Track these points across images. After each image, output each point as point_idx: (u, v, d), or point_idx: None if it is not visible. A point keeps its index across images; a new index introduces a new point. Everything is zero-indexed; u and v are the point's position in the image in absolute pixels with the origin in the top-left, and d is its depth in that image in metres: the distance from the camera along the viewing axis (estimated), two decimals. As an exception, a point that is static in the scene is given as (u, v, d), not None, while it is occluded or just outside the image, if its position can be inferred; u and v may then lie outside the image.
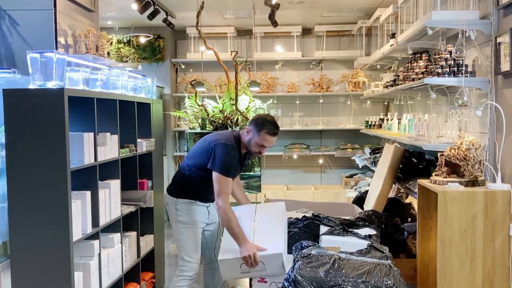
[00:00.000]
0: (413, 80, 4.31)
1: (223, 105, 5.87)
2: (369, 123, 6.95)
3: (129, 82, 4.02)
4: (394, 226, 4.24)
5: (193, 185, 3.60)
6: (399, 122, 5.50)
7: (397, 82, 5.08)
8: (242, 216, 3.52)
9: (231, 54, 6.01)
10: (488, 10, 3.57)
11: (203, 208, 3.66)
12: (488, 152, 3.52)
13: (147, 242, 4.36)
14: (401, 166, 4.77)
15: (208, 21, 7.12)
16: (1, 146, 3.09)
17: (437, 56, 3.79)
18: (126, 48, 7.76)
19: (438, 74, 3.71)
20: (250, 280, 3.60)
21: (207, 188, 3.54)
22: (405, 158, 4.82)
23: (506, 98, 3.39)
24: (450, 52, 3.64)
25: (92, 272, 3.31)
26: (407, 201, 5.15)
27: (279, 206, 3.71)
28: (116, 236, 3.71)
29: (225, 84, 6.21)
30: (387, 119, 6.22)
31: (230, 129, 3.74)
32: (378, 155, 6.31)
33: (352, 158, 7.37)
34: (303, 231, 3.70)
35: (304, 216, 3.92)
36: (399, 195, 5.33)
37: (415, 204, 4.68)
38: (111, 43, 7.52)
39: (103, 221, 3.47)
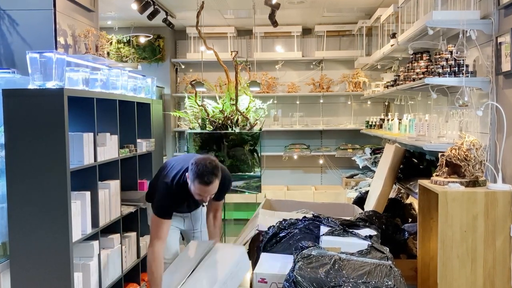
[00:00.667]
0: (413, 80, 4.30)
1: (223, 105, 5.87)
2: (370, 123, 6.94)
3: (129, 82, 4.01)
4: (394, 227, 4.24)
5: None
6: (399, 122, 5.49)
7: (397, 82, 5.07)
8: (184, 260, 3.32)
9: (231, 54, 6.00)
10: (489, 10, 3.56)
11: (176, 217, 3.49)
12: (489, 152, 3.51)
13: (147, 242, 4.33)
14: (401, 166, 4.76)
15: (208, 21, 7.11)
16: (0, 146, 3.09)
17: (438, 56, 3.79)
18: (126, 48, 7.75)
19: (439, 74, 3.70)
20: (250, 281, 3.60)
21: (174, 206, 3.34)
22: (405, 159, 4.81)
23: (507, 98, 3.38)
24: (451, 52, 3.63)
25: (91, 272, 3.31)
26: (408, 201, 5.14)
27: (236, 253, 3.39)
28: (116, 236, 3.70)
29: (225, 84, 6.20)
30: (388, 119, 6.21)
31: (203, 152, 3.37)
32: (379, 155, 6.31)
33: (353, 158, 7.36)
34: (303, 231, 3.69)
35: (305, 216, 3.91)
36: (400, 195, 5.32)
37: (415, 205, 4.67)
38: (111, 43, 7.51)
39: (103, 221, 3.46)
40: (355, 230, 3.57)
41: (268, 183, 7.85)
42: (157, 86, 5.81)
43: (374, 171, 6.11)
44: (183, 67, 8.31)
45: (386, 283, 2.80)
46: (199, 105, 5.87)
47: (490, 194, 3.06)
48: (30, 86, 2.98)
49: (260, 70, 8.04)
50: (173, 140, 8.26)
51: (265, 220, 4.28)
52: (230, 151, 5.77)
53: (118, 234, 3.74)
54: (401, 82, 4.78)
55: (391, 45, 5.12)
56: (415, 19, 4.36)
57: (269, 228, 3.87)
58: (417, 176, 4.12)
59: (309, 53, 8.14)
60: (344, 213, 4.76)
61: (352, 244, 3.31)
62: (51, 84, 2.96)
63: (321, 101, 8.16)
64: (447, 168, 3.36)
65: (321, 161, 8.21)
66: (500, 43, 3.41)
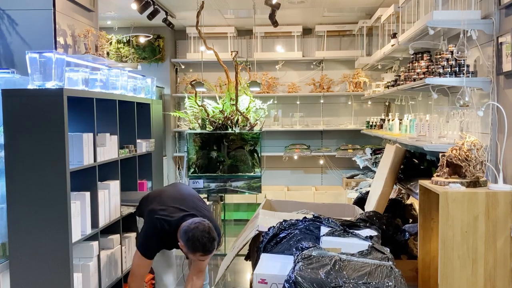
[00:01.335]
0: (414, 80, 4.29)
1: (223, 105, 5.86)
2: (370, 123, 6.93)
3: (128, 82, 4.00)
4: (395, 227, 4.23)
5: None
6: (400, 123, 5.48)
7: (398, 82, 5.06)
8: None
9: (231, 54, 5.99)
10: (490, 10, 3.55)
11: None
12: (489, 152, 3.50)
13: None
14: (402, 166, 4.75)
15: (208, 21, 7.11)
16: (0, 146, 3.08)
17: (439, 56, 3.78)
18: (125, 48, 7.74)
19: (440, 74, 3.69)
20: (251, 281, 3.59)
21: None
22: (406, 159, 4.80)
23: (508, 98, 3.37)
24: (452, 52, 3.62)
25: (91, 273, 3.30)
26: (408, 202, 5.13)
27: None
28: (116, 237, 3.70)
29: (225, 84, 6.19)
30: (388, 120, 6.20)
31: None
32: (379, 155, 6.29)
33: (353, 158, 7.35)
34: (303, 232, 3.68)
35: (305, 217, 3.90)
36: (400, 196, 5.31)
37: (416, 205, 4.65)
38: (111, 43, 7.51)
39: (103, 222, 3.46)
40: (355, 231, 3.56)
41: (268, 183, 7.84)
42: (157, 86, 5.81)
43: (374, 172, 6.10)
44: (183, 67, 8.30)
45: (387, 284, 2.79)
46: (199, 105, 5.86)
47: (491, 195, 3.05)
48: (30, 86, 2.97)
49: (260, 70, 8.04)
50: (173, 140, 8.25)
51: (265, 221, 4.27)
52: (230, 151, 5.76)
53: (118, 235, 3.73)
54: (402, 82, 4.77)
55: (392, 45, 5.11)
56: (415, 19, 4.35)
57: (269, 229, 3.86)
58: (417, 177, 4.11)
59: (309, 53, 8.13)
60: (344, 213, 4.75)
61: (352, 245, 3.30)
62: (50, 84, 2.95)
63: (322, 101, 8.15)
64: (448, 169, 3.35)
65: (321, 162, 8.20)
66: (501, 43, 3.40)
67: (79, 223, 3.16)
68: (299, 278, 2.83)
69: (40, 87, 2.95)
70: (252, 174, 5.77)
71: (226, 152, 5.78)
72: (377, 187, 4.75)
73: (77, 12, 4.39)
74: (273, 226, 3.86)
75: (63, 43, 4.10)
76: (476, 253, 3.06)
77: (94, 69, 3.92)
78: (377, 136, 6.31)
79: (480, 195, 3.06)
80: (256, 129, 5.82)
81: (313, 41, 8.15)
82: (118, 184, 3.72)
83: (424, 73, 4.14)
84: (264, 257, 3.62)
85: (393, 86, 5.29)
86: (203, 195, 5.71)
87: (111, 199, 3.58)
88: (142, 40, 7.61)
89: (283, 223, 3.83)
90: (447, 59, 3.68)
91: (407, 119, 5.12)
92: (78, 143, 3.15)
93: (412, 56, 4.48)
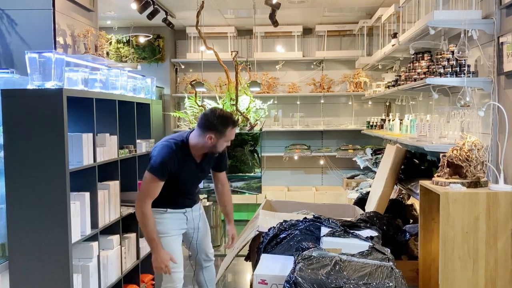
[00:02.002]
0: (415, 80, 4.28)
1: (223, 105, 5.85)
2: (371, 123, 6.92)
3: (128, 82, 3.99)
4: (395, 228, 4.22)
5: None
6: (400, 123, 5.47)
7: (399, 82, 5.05)
8: None
9: (232, 54, 5.98)
10: (491, 9, 3.55)
11: (178, 215, 3.41)
12: (490, 153, 3.49)
13: (147, 244, 4.32)
14: (402, 167, 4.75)
15: (208, 21, 7.10)
16: (-1, 147, 3.07)
17: (439, 56, 3.77)
18: (125, 48, 7.73)
19: (440, 74, 3.69)
20: (251, 282, 3.58)
21: (174, 196, 3.34)
22: (407, 159, 4.79)
23: (508, 98, 3.36)
24: (452, 52, 3.61)
25: (91, 274, 3.29)
26: (409, 202, 5.12)
27: None
28: (116, 237, 3.69)
29: (225, 84, 6.18)
30: (389, 120, 6.19)
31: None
32: (380, 156, 6.29)
33: (354, 159, 7.34)
34: (304, 232, 3.67)
35: (305, 217, 3.89)
36: (401, 196, 5.30)
37: (417, 206, 4.65)
38: (110, 43, 7.50)
39: (102, 222, 3.45)
40: (356, 231, 3.55)
41: (269, 183, 7.83)
42: (156, 86, 5.80)
43: (375, 172, 6.09)
44: (183, 67, 8.29)
45: (387, 285, 2.78)
46: (199, 106, 5.85)
47: (491, 195, 3.05)
48: (29, 86, 2.96)
49: (261, 70, 8.03)
50: (173, 140, 8.23)
51: (266, 221, 4.26)
52: (230, 151, 5.75)
53: (118, 235, 3.72)
54: (402, 82, 4.76)
55: (392, 45, 5.11)
56: (416, 18, 4.34)
57: (269, 229, 3.85)
58: (418, 177, 4.11)
59: (309, 53, 8.12)
60: (345, 214, 4.74)
61: (353, 245, 3.29)
62: (50, 84, 2.94)
63: (322, 101, 8.14)
64: (448, 169, 3.35)
65: (321, 162, 8.19)
66: (502, 43, 3.39)
67: (79, 224, 3.15)
68: (300, 278, 2.82)
69: (40, 87, 2.94)
70: (252, 174, 5.76)
71: (226, 152, 5.76)
72: (378, 188, 4.75)
73: (77, 12, 4.38)
74: (273, 226, 3.85)
75: (63, 43, 4.09)
76: (477, 254, 3.05)
77: (94, 69, 3.91)
78: (378, 136, 6.30)
79: (481, 196, 3.05)
80: (256, 129, 5.81)
81: (314, 41, 8.14)
82: (118, 184, 3.71)
83: (424, 73, 4.13)
84: (264, 257, 3.61)
85: (393, 86, 5.28)
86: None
87: (110, 199, 3.57)
88: (142, 40, 7.60)
89: (284, 223, 3.82)
90: (448, 59, 3.67)
91: (408, 119, 5.11)
92: (77, 143, 3.14)
93: (413, 56, 4.47)
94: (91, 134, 3.29)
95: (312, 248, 3.15)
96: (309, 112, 8.21)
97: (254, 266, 3.74)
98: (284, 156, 7.94)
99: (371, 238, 3.45)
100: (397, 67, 6.43)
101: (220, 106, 5.83)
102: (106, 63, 4.28)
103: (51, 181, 2.93)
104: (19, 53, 3.78)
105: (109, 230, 3.61)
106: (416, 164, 4.85)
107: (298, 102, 8.13)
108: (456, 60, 3.60)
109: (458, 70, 3.61)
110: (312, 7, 6.75)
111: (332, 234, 3.48)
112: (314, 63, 8.19)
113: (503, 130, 3.33)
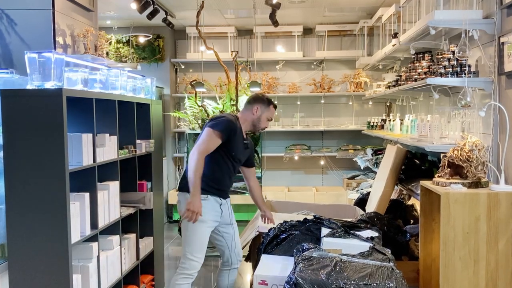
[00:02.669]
0: (415, 80, 4.27)
1: (223, 105, 5.84)
2: (371, 124, 6.91)
3: (128, 82, 3.98)
4: (396, 228, 4.21)
5: (203, 172, 3.46)
6: (401, 123, 5.46)
7: (399, 82, 5.05)
8: None
9: (232, 54, 5.98)
10: (492, 9, 3.54)
11: (216, 205, 3.58)
12: (491, 153, 3.49)
13: (147, 244, 4.32)
14: (403, 167, 4.74)
15: (208, 21, 7.09)
16: (-2, 147, 3.06)
17: (440, 56, 3.76)
18: (125, 48, 7.72)
19: (441, 75, 3.68)
20: (251, 283, 3.57)
21: (218, 176, 3.55)
22: (407, 159, 4.79)
23: (509, 98, 3.35)
24: (453, 52, 3.61)
25: (90, 274, 3.28)
26: (410, 202, 5.12)
27: None
28: (115, 238, 3.68)
29: (226, 84, 6.18)
30: (389, 120, 6.19)
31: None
32: (380, 156, 6.28)
33: (354, 159, 7.33)
34: (304, 233, 3.67)
35: (305, 218, 3.89)
36: (402, 196, 5.30)
37: (417, 206, 4.64)
38: (110, 43, 7.49)
39: (102, 223, 3.43)
40: (356, 232, 3.54)
41: (269, 184, 7.82)
42: (156, 87, 5.79)
43: (375, 172, 6.09)
44: (183, 67, 8.28)
45: (388, 285, 2.77)
46: (199, 106, 5.85)
47: (492, 195, 3.04)
48: (29, 87, 2.95)
49: (261, 70, 8.02)
50: (173, 141, 8.24)
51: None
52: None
53: (118, 236, 3.71)
54: (403, 82, 4.75)
55: (393, 45, 5.10)
56: (417, 18, 4.33)
57: (269, 230, 3.85)
58: (419, 177, 4.10)
59: (310, 53, 8.11)
60: (345, 214, 4.74)
61: (353, 246, 3.28)
62: (49, 85, 2.93)
63: (322, 101, 8.13)
64: (449, 169, 3.34)
65: (322, 162, 8.18)
66: (502, 43, 3.39)
67: (79, 224, 3.14)
68: (300, 279, 2.82)
69: (39, 87, 2.93)
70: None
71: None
72: (378, 188, 4.74)
73: (77, 11, 4.37)
74: (273, 227, 3.85)
75: (62, 43, 4.08)
76: (478, 254, 3.05)
77: (94, 69, 3.90)
78: (378, 136, 6.30)
79: (481, 196, 3.05)
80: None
81: (314, 41, 8.13)
82: (118, 184, 3.70)
83: (425, 73, 4.12)
84: (264, 258, 3.61)
85: (394, 86, 5.28)
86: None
87: (110, 200, 3.55)
88: (142, 40, 7.59)
89: (284, 224, 3.82)
90: (449, 59, 3.66)
91: (408, 119, 5.10)
92: (77, 144, 3.12)
93: (413, 56, 4.47)
94: (90, 135, 3.28)
95: (313, 249, 3.15)
96: (310, 112, 8.20)
97: (254, 267, 3.74)
98: (284, 156, 7.93)
99: (372, 238, 3.45)
100: (397, 67, 6.42)
101: (220, 107, 5.83)
102: (106, 63, 4.27)
103: (50, 181, 2.92)
104: (19, 53, 3.77)
105: (109, 230, 3.60)
106: (416, 165, 4.85)
107: (299, 102, 8.12)
108: (457, 60, 3.60)
109: (458, 70, 3.60)
110: (313, 7, 6.74)
111: (332, 235, 3.48)
112: (315, 63, 8.18)
113: (504, 130, 3.32)
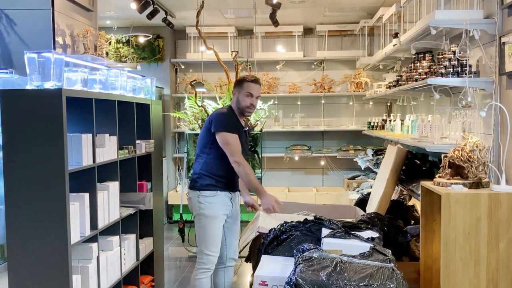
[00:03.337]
0: (416, 80, 4.26)
1: (223, 106, 5.83)
2: (372, 124, 6.90)
3: (128, 82, 3.98)
4: (397, 229, 4.20)
5: (209, 169, 3.63)
6: (402, 123, 5.45)
7: (400, 82, 5.04)
8: None
9: (232, 54, 5.97)
10: (492, 9, 3.53)
11: (226, 200, 3.69)
12: (492, 153, 3.47)
13: (146, 245, 4.31)
14: (404, 167, 4.73)
15: (208, 21, 7.08)
16: (-2, 147, 3.05)
17: (441, 56, 3.75)
18: (125, 48, 7.72)
19: (442, 75, 3.67)
20: (251, 283, 3.56)
21: (225, 171, 3.61)
22: (408, 160, 4.78)
23: (510, 98, 3.35)
24: (454, 52, 3.60)
25: (90, 275, 3.27)
26: (410, 203, 5.10)
27: None
28: (115, 239, 3.67)
29: (226, 84, 6.17)
30: (390, 120, 6.17)
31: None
32: (381, 156, 6.28)
33: (354, 159, 7.32)
34: (304, 233, 3.66)
35: (306, 218, 3.88)
36: (402, 197, 5.29)
37: (418, 206, 4.63)
38: (110, 43, 7.48)
39: (102, 223, 3.43)
40: (357, 232, 3.54)
41: (269, 184, 7.81)
42: (156, 87, 5.78)
43: (376, 173, 6.08)
44: (182, 67, 8.27)
45: (389, 286, 2.76)
46: (199, 106, 5.84)
47: (493, 196, 3.03)
48: (28, 87, 2.95)
49: (261, 70, 8.01)
50: (173, 141, 8.23)
51: (266, 222, 4.25)
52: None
53: (117, 236, 3.70)
54: (404, 83, 4.74)
55: (394, 45, 5.09)
56: (417, 18, 4.32)
57: (270, 230, 3.84)
58: (419, 178, 4.09)
59: (310, 53, 8.10)
60: (345, 215, 4.73)
61: (353, 247, 3.27)
62: (49, 85, 2.92)
63: (323, 101, 8.12)
64: (450, 170, 3.33)
65: (322, 163, 8.17)
66: (503, 43, 3.38)
67: (78, 225, 3.13)
68: (300, 280, 2.81)
69: (39, 87, 2.92)
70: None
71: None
72: (379, 188, 4.73)
73: (76, 11, 4.36)
74: (274, 227, 3.84)
75: (62, 43, 4.07)
76: (479, 255, 3.04)
77: (93, 69, 3.89)
78: (379, 136, 6.29)
79: (482, 196, 3.04)
80: (257, 129, 5.79)
81: (314, 41, 8.12)
82: (118, 185, 3.69)
83: (426, 73, 4.11)
84: (264, 259, 3.60)
85: (394, 86, 5.27)
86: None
87: (110, 200, 3.55)
88: (142, 40, 7.58)
89: (284, 224, 3.81)
90: (449, 59, 3.65)
91: (409, 119, 5.09)
92: (77, 144, 3.12)
93: (414, 56, 4.45)
94: (90, 135, 3.27)
95: (313, 249, 3.14)
96: (310, 112, 8.19)
97: (255, 268, 3.73)
98: (285, 156, 7.93)
99: (372, 239, 3.44)
100: (398, 67, 6.41)
101: (220, 107, 5.82)
102: (105, 63, 4.26)
103: (50, 181, 2.92)
104: (18, 53, 3.76)
105: (109, 231, 3.59)
106: (417, 165, 4.84)
107: (299, 103, 8.11)
108: (458, 60, 3.59)
109: (459, 70, 3.59)
110: (313, 7, 6.74)
111: (332, 235, 3.47)
112: (315, 63, 8.18)
113: (504, 131, 3.31)
